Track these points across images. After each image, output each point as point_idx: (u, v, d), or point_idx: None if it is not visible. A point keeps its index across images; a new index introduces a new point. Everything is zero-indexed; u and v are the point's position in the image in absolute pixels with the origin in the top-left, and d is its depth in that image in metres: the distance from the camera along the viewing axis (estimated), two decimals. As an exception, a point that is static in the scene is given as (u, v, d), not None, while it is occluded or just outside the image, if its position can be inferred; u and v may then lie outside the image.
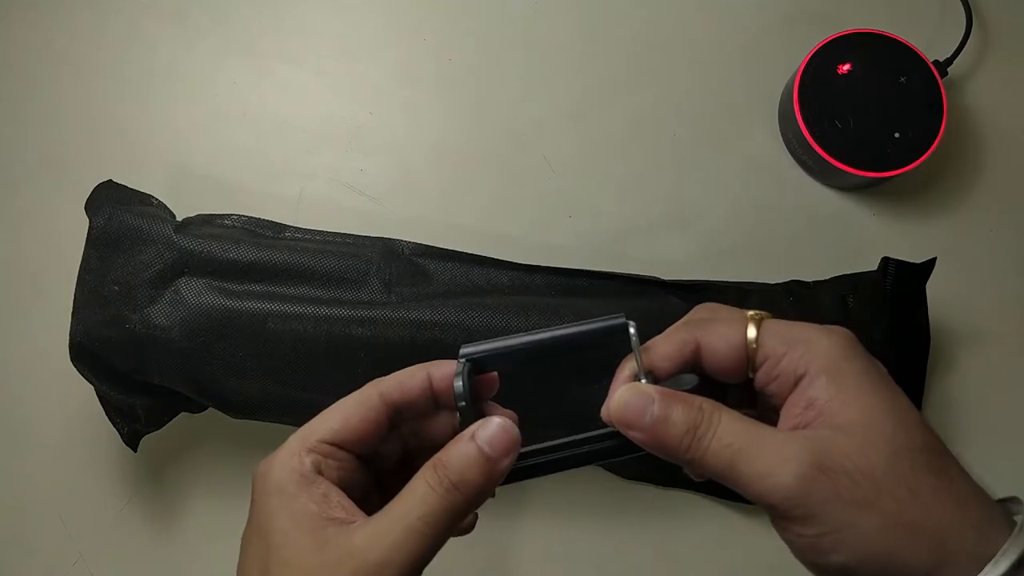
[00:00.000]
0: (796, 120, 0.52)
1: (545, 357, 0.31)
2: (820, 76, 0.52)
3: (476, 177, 0.54)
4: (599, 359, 0.31)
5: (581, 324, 0.31)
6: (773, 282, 0.49)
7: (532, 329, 0.36)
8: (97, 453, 0.51)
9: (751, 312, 0.30)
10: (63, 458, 0.51)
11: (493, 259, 0.47)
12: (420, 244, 0.47)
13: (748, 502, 0.50)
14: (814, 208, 0.54)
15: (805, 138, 0.52)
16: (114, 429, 0.47)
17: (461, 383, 0.30)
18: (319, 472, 0.29)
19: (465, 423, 0.29)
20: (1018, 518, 0.27)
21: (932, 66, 0.52)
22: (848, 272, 0.49)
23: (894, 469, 0.26)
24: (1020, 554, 0.25)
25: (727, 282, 0.48)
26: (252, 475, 0.30)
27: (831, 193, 0.55)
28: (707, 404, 0.28)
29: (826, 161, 0.51)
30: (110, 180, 0.47)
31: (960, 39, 0.55)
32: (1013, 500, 0.28)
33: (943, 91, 0.52)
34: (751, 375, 0.30)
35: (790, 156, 0.55)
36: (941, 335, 0.52)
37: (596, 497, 0.50)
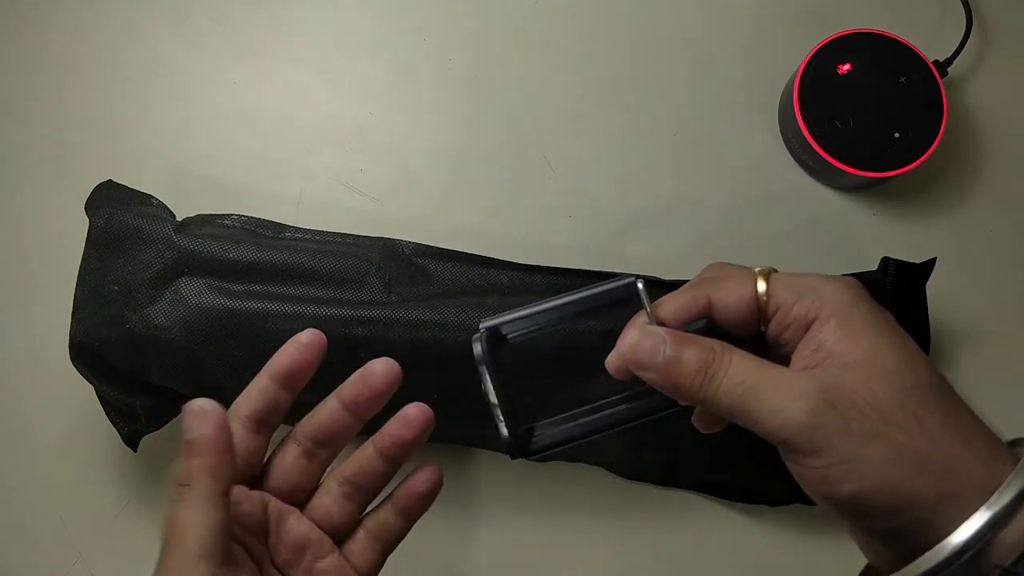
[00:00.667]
0: (796, 120, 0.52)
1: (562, 322, 0.32)
2: (820, 76, 0.52)
3: (476, 177, 0.54)
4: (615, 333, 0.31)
5: (592, 287, 0.31)
6: None
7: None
8: (97, 453, 0.51)
9: (759, 268, 0.31)
10: (63, 458, 0.51)
11: (493, 259, 0.47)
12: (420, 244, 0.47)
13: (748, 501, 0.50)
14: (814, 208, 0.54)
15: (805, 138, 0.52)
16: (114, 429, 0.47)
17: (480, 348, 0.30)
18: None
19: (485, 386, 0.30)
20: (1023, 453, 0.27)
21: (932, 66, 0.52)
22: (848, 272, 0.49)
23: (902, 403, 0.27)
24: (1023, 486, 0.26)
25: None
26: None
27: (831, 193, 0.55)
28: (718, 344, 0.29)
29: (826, 161, 0.51)
30: (110, 180, 0.47)
31: (960, 39, 0.55)
32: (1021, 442, 0.29)
33: (943, 91, 0.52)
34: (763, 328, 0.30)
35: (790, 156, 0.55)
36: (941, 335, 0.52)
37: (596, 497, 0.50)
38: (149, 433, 0.48)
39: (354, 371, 0.42)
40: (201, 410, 0.30)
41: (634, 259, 0.52)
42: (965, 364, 0.52)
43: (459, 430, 0.46)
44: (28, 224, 0.53)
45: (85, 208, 0.45)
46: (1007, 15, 0.57)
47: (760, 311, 0.30)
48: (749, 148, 0.55)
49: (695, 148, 0.55)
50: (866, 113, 0.52)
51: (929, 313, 0.49)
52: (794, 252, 0.53)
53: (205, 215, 0.48)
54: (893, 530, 0.27)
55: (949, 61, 0.54)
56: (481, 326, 0.31)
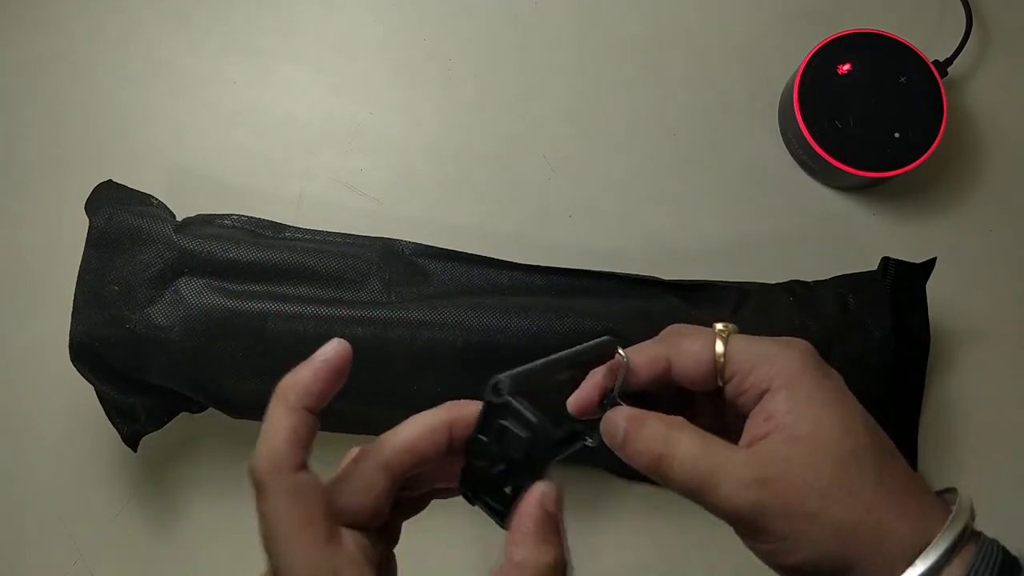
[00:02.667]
0: (796, 120, 0.52)
1: (553, 374, 0.32)
2: (820, 76, 0.52)
3: (476, 177, 0.54)
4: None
5: (582, 347, 0.33)
6: (773, 282, 0.49)
7: (533, 330, 0.41)
8: (97, 453, 0.51)
9: (719, 327, 0.32)
10: (63, 458, 0.51)
11: (493, 259, 0.47)
12: (420, 244, 0.47)
13: None
14: (814, 208, 0.54)
15: (805, 138, 0.52)
16: (114, 429, 0.47)
17: (507, 385, 0.29)
18: None
19: (525, 416, 0.29)
20: (953, 507, 0.28)
21: (932, 66, 0.52)
22: (848, 272, 0.49)
23: (840, 476, 0.28)
24: (950, 543, 0.27)
25: (727, 282, 0.48)
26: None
27: (831, 193, 0.55)
28: (673, 427, 0.30)
29: (826, 161, 0.51)
30: (110, 180, 0.47)
31: (960, 39, 0.55)
32: (950, 491, 0.30)
33: (943, 91, 0.52)
34: (721, 383, 0.31)
35: (790, 156, 0.55)
36: (941, 335, 0.52)
37: (596, 497, 0.50)
38: (149, 433, 0.48)
39: (352, 371, 0.42)
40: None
41: (634, 259, 0.52)
42: (965, 364, 0.52)
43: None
44: (28, 224, 0.53)
45: (85, 208, 0.45)
46: (1007, 15, 0.57)
47: (718, 371, 0.31)
48: (749, 148, 0.55)
49: (695, 148, 0.55)
50: (866, 113, 0.52)
51: (929, 313, 0.49)
52: (794, 252, 0.53)
53: (205, 215, 0.48)
54: None
55: (949, 61, 0.54)
56: (503, 376, 0.30)
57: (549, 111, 0.55)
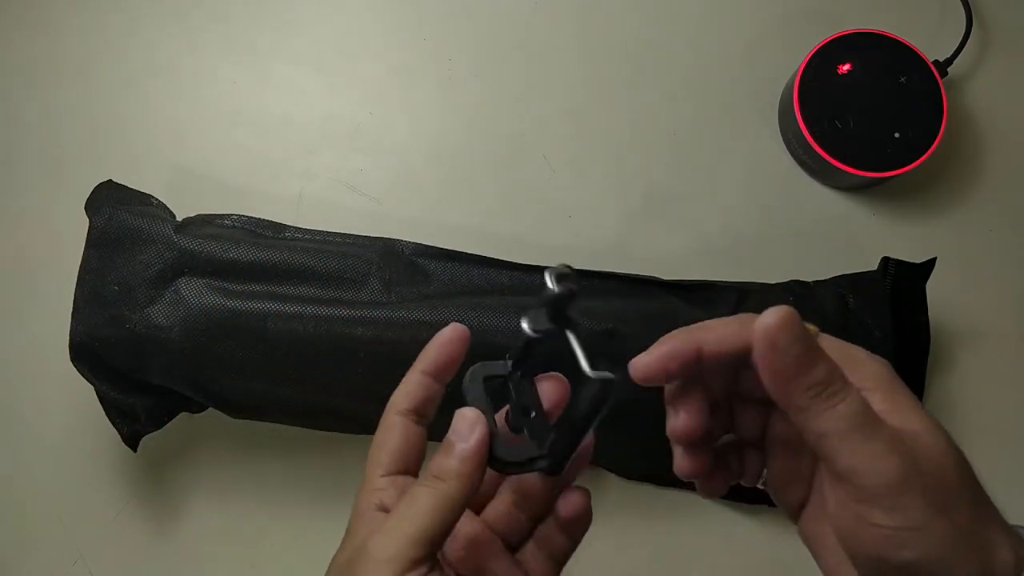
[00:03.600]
0: (796, 120, 0.52)
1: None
2: (820, 76, 0.52)
3: (476, 177, 0.54)
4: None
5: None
6: (773, 282, 0.49)
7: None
8: (97, 453, 0.51)
9: (808, 325, 0.29)
10: (63, 458, 0.51)
11: (493, 259, 0.47)
12: (420, 244, 0.47)
13: (746, 501, 0.50)
14: (814, 208, 0.54)
15: (805, 138, 0.52)
16: (114, 429, 0.47)
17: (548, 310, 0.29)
18: None
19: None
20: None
21: (932, 66, 0.52)
22: (848, 272, 0.49)
23: (961, 481, 0.27)
24: None
25: (727, 282, 0.48)
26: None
27: (831, 193, 0.55)
28: (843, 373, 0.28)
29: (826, 161, 0.51)
30: (110, 180, 0.47)
31: (960, 39, 0.55)
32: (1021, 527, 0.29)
33: (943, 91, 0.52)
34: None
35: (790, 156, 0.55)
36: (941, 335, 0.52)
37: (596, 497, 0.50)
38: (149, 433, 0.48)
39: (354, 371, 0.42)
40: (471, 420, 0.30)
41: (634, 259, 0.52)
42: (965, 364, 0.52)
43: None
44: (28, 224, 0.53)
45: (85, 208, 0.45)
46: (1007, 15, 0.57)
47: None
48: (749, 148, 0.55)
49: (695, 148, 0.55)
50: (866, 113, 0.52)
51: (929, 313, 0.49)
52: (794, 252, 0.53)
53: (205, 215, 0.48)
54: None
55: (949, 61, 0.54)
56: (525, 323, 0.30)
57: (549, 111, 0.55)
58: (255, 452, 0.51)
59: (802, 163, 0.55)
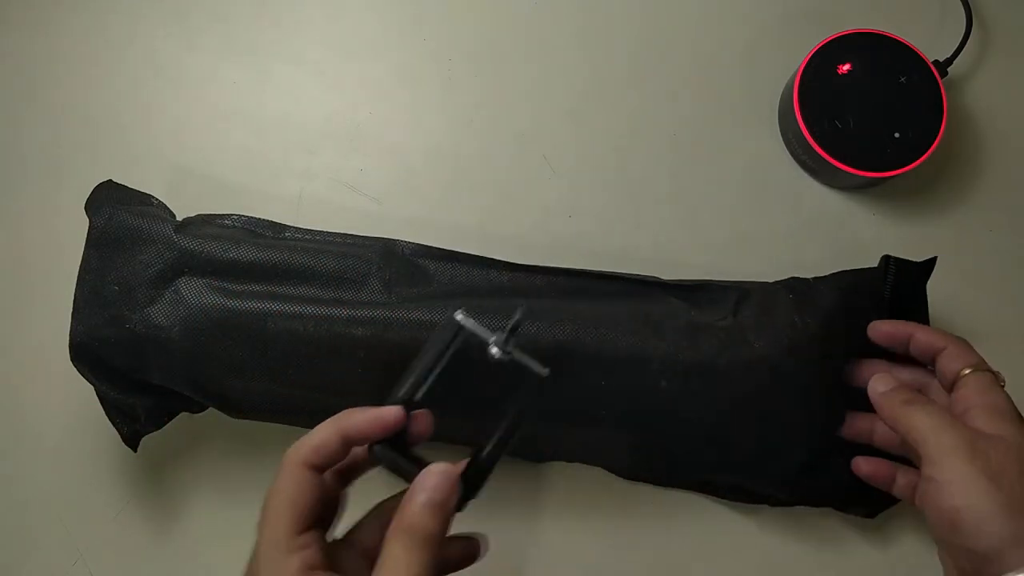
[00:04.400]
0: (796, 120, 0.52)
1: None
2: (820, 76, 0.52)
3: (476, 177, 0.54)
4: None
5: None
6: (766, 282, 0.49)
7: (532, 332, 0.43)
8: (97, 453, 0.51)
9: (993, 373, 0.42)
10: (63, 458, 0.51)
11: (493, 260, 0.47)
12: (420, 245, 0.47)
13: (749, 501, 0.50)
14: (814, 208, 0.54)
15: (805, 138, 0.52)
16: (114, 429, 0.47)
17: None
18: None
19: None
20: None
21: (932, 66, 0.52)
22: (848, 268, 0.49)
23: (1017, 467, 0.36)
24: None
25: (726, 282, 0.48)
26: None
27: (831, 193, 0.55)
28: (923, 396, 0.41)
29: (826, 161, 0.51)
30: (110, 180, 0.47)
31: (960, 39, 0.55)
32: None
33: (943, 91, 0.52)
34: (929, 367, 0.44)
35: (790, 156, 0.55)
36: (941, 335, 0.52)
37: (596, 498, 0.50)
38: (149, 433, 0.48)
39: (354, 371, 0.42)
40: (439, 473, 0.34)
41: (634, 259, 0.52)
42: (965, 364, 0.52)
43: (456, 430, 0.47)
44: (28, 224, 0.53)
45: (85, 208, 0.45)
46: (1007, 15, 0.57)
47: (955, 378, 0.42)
48: (749, 148, 0.55)
49: (695, 148, 0.55)
50: (866, 113, 0.52)
51: (929, 313, 0.49)
52: (794, 252, 0.53)
53: (205, 215, 0.48)
54: (977, 558, 0.35)
55: (949, 61, 0.54)
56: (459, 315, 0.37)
57: (549, 111, 0.55)
58: (255, 452, 0.51)
59: (802, 163, 0.55)
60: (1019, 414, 0.39)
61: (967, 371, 0.41)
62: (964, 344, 0.43)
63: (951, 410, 0.40)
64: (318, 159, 0.54)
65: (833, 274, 0.48)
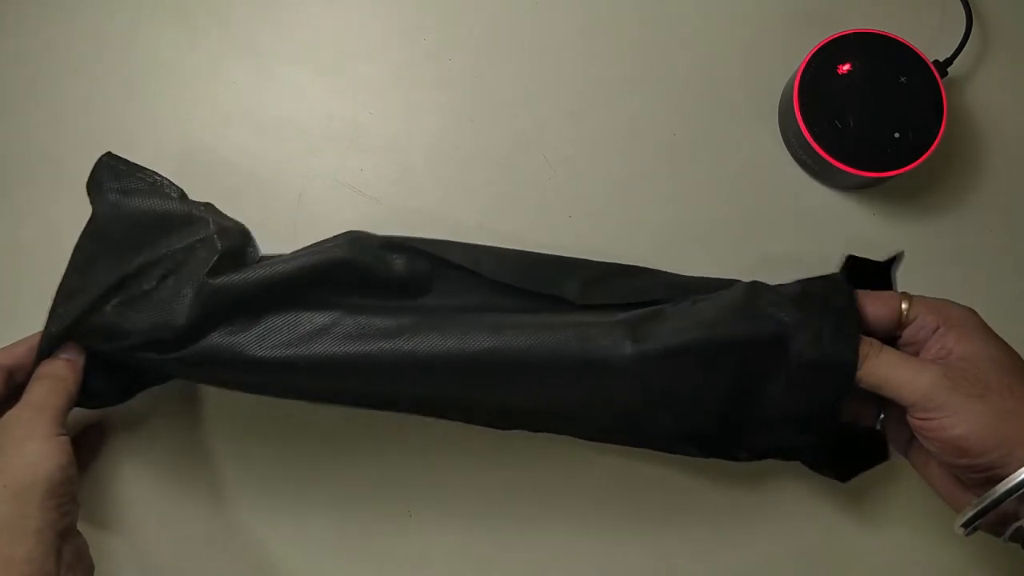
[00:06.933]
0: (796, 120, 0.52)
1: None
2: (820, 76, 0.52)
3: (476, 177, 0.54)
4: None
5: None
6: (766, 282, 0.49)
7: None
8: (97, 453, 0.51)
9: (901, 291, 0.44)
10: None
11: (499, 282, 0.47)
12: (391, 236, 0.47)
13: (717, 456, 0.49)
14: (814, 208, 0.54)
15: (805, 138, 0.52)
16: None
17: None
18: None
19: None
20: None
21: (932, 66, 0.52)
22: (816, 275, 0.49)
23: (999, 378, 0.39)
24: None
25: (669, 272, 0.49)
26: None
27: (831, 193, 0.55)
28: (874, 342, 0.42)
29: (826, 161, 0.51)
30: (109, 153, 0.48)
31: (960, 39, 0.55)
32: None
33: (943, 91, 0.52)
34: (898, 333, 0.43)
35: (790, 156, 0.55)
36: (941, 335, 0.52)
37: (598, 503, 0.51)
38: (109, 405, 0.48)
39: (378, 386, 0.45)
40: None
41: (634, 259, 0.52)
42: (965, 364, 0.52)
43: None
44: (28, 224, 0.53)
45: (87, 188, 0.46)
46: (1007, 15, 0.57)
47: (901, 320, 0.43)
48: (749, 148, 0.55)
49: (695, 148, 0.55)
50: (866, 113, 0.52)
51: None
52: (794, 252, 0.53)
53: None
54: (982, 468, 0.38)
55: (949, 61, 0.54)
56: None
57: (549, 111, 0.55)
58: (255, 452, 0.51)
59: (802, 163, 0.55)
60: (964, 315, 0.42)
61: (904, 305, 0.43)
62: (874, 292, 0.44)
63: (908, 344, 0.43)
64: (318, 159, 0.54)
65: (797, 281, 0.47)
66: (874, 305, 0.43)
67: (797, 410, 0.44)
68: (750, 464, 0.48)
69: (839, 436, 0.45)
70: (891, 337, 0.44)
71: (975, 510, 0.39)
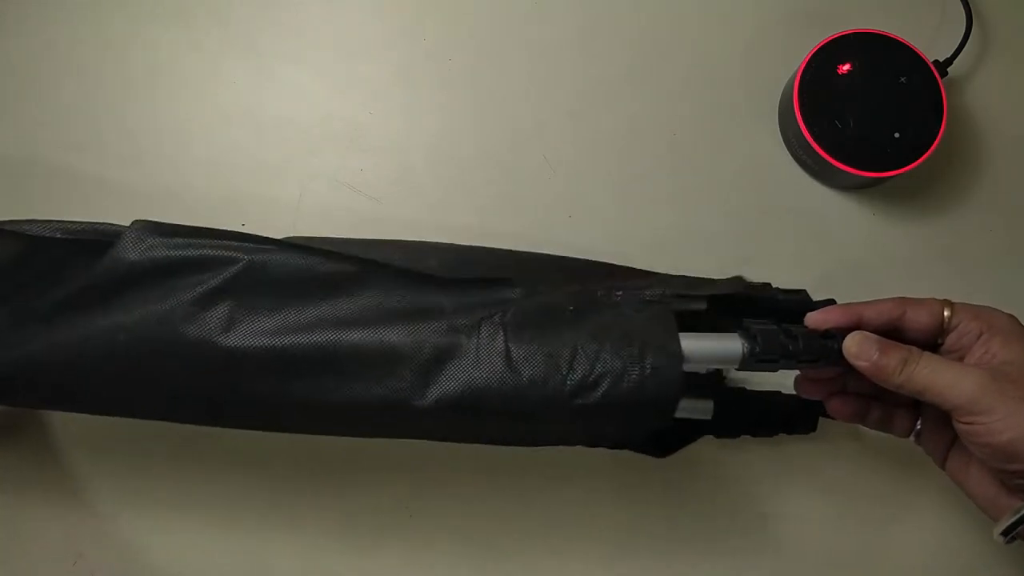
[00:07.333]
0: (796, 120, 0.52)
1: None
2: (820, 76, 0.52)
3: (476, 177, 0.54)
4: None
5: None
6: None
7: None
8: (98, 453, 0.51)
9: (942, 299, 0.43)
10: (63, 458, 0.51)
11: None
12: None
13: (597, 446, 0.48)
14: (814, 208, 0.54)
15: (805, 138, 0.52)
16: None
17: None
18: None
19: None
20: None
21: (932, 66, 0.52)
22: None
23: None
24: None
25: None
26: None
27: (831, 193, 0.55)
28: (914, 348, 0.41)
29: (826, 161, 0.51)
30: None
31: (960, 39, 0.55)
32: None
33: (943, 91, 0.52)
34: (940, 341, 0.42)
35: (790, 156, 0.55)
36: (941, 335, 0.52)
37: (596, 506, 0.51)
38: None
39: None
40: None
41: (634, 259, 0.52)
42: (965, 364, 0.52)
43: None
44: (28, 224, 0.53)
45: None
46: (1007, 15, 0.57)
47: (943, 327, 0.42)
48: (749, 148, 0.55)
49: (695, 148, 0.55)
50: (866, 113, 0.52)
51: None
52: (794, 252, 0.53)
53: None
54: None
55: (949, 61, 0.54)
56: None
57: (549, 111, 0.55)
58: (257, 452, 0.51)
59: (802, 163, 0.55)
60: (1008, 321, 0.41)
61: (947, 312, 0.42)
62: (914, 299, 0.43)
63: (951, 351, 0.42)
64: (318, 159, 0.54)
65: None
66: (916, 311, 0.42)
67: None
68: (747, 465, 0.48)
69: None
70: (933, 345, 0.43)
71: (1016, 516, 0.39)
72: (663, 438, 0.49)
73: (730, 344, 0.41)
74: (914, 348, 0.41)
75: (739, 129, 0.55)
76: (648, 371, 0.39)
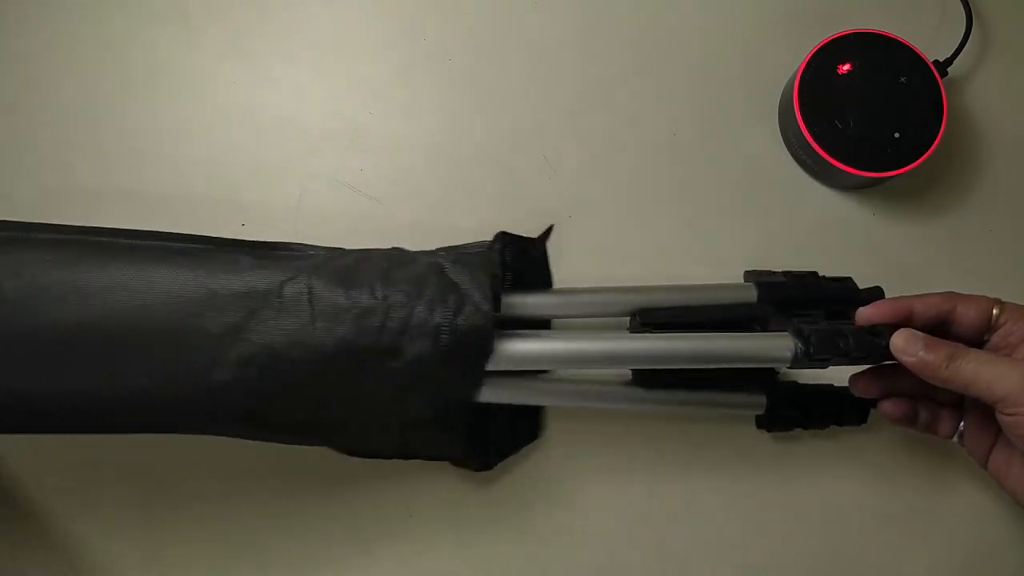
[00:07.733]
0: (796, 120, 0.52)
1: None
2: (820, 76, 0.52)
3: (476, 177, 0.54)
4: None
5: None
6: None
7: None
8: (98, 453, 0.51)
9: (993, 297, 0.44)
10: (63, 457, 0.51)
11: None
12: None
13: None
14: (814, 208, 0.54)
15: (805, 138, 0.52)
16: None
17: None
18: None
19: None
20: None
21: (932, 66, 0.52)
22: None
23: None
24: None
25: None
26: None
27: (831, 193, 0.55)
28: (960, 344, 0.41)
29: (826, 161, 0.51)
30: None
31: (960, 39, 0.55)
32: None
33: (943, 91, 0.52)
34: (986, 337, 0.43)
35: (790, 156, 0.55)
36: (941, 335, 0.52)
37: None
38: None
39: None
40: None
41: (634, 259, 0.53)
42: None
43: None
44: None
45: None
46: (1007, 15, 0.57)
47: (991, 324, 0.43)
48: (749, 148, 0.55)
49: (695, 148, 0.55)
50: (866, 113, 0.52)
51: None
52: (794, 252, 0.53)
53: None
54: None
55: (949, 61, 0.54)
56: None
57: (549, 111, 0.55)
58: (257, 450, 0.51)
59: (802, 163, 0.55)
60: None
61: (995, 310, 0.43)
62: (966, 295, 0.44)
63: (997, 348, 0.43)
64: (318, 159, 0.54)
65: (449, 248, 0.45)
66: (966, 307, 0.43)
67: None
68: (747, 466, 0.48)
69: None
70: (979, 341, 0.44)
71: None
72: (484, 450, 0.48)
73: (781, 343, 0.43)
74: (960, 344, 0.42)
75: (739, 129, 0.55)
76: (460, 322, 0.38)
